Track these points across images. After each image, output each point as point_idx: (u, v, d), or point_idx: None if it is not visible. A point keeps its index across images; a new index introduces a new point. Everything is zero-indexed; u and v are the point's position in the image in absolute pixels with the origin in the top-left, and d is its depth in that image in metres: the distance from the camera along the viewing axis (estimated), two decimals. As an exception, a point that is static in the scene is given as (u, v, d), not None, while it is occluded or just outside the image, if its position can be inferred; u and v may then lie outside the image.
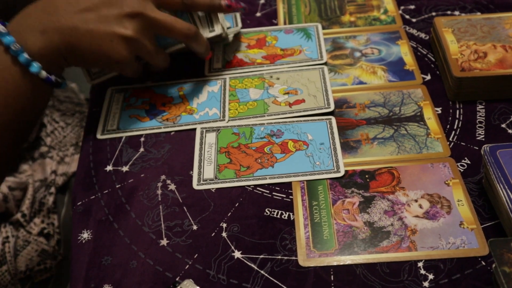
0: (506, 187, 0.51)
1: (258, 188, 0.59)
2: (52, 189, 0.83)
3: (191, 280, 0.51)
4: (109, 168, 0.63)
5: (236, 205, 0.58)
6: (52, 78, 0.59)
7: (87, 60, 0.61)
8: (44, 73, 0.58)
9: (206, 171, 0.61)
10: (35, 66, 0.57)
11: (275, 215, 0.56)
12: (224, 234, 0.55)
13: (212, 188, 0.59)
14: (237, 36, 0.77)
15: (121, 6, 0.60)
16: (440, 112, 0.65)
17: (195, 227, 0.56)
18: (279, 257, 0.53)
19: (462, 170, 0.59)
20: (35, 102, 0.59)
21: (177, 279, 0.52)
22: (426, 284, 0.50)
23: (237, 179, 0.59)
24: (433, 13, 0.78)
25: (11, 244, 0.76)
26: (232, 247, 0.54)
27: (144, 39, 0.61)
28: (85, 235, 0.57)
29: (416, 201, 0.56)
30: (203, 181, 0.60)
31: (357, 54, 0.73)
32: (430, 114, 0.65)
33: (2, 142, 0.58)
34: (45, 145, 0.87)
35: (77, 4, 0.59)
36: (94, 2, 0.60)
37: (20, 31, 0.57)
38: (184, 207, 0.58)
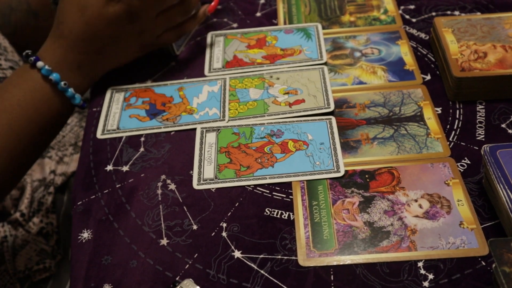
0: (506, 187, 0.51)
1: (258, 188, 0.59)
2: (51, 189, 0.83)
3: (191, 279, 0.51)
4: (109, 167, 0.63)
5: (236, 205, 0.58)
6: (85, 104, 0.69)
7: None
8: (81, 101, 0.68)
9: (206, 171, 0.61)
10: (77, 98, 0.67)
11: (275, 215, 0.56)
12: (224, 234, 0.55)
13: (212, 188, 0.59)
14: (237, 36, 0.77)
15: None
16: (440, 112, 0.65)
17: (195, 227, 0.56)
18: (279, 257, 0.53)
19: (462, 170, 0.59)
20: (64, 122, 0.70)
21: (177, 278, 0.52)
22: (426, 284, 0.50)
23: (237, 179, 0.59)
24: (433, 13, 0.78)
25: (10, 244, 0.75)
26: (232, 247, 0.54)
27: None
28: (85, 234, 0.57)
29: (416, 201, 0.56)
30: (203, 181, 0.60)
31: (357, 54, 0.73)
32: (430, 114, 0.65)
33: (28, 159, 0.67)
34: (45, 145, 0.87)
35: (102, 28, 0.66)
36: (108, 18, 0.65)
37: (60, 67, 0.65)
38: (184, 207, 0.58)
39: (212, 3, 0.75)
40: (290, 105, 0.67)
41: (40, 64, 0.64)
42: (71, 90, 0.65)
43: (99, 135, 0.66)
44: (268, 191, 0.59)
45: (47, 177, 0.84)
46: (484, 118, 0.64)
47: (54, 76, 0.64)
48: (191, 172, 0.61)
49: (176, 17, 0.69)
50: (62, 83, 0.64)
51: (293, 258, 0.53)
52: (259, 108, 0.67)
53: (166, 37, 0.70)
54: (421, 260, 0.52)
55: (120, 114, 0.68)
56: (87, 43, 0.65)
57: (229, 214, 0.57)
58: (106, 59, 0.68)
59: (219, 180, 0.60)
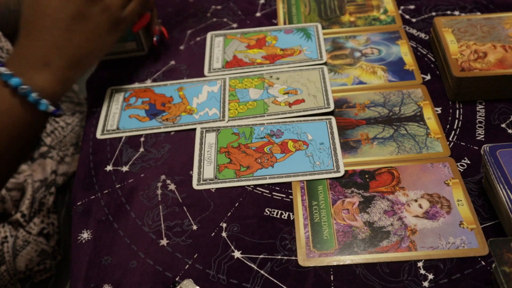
0: (506, 187, 0.51)
1: (258, 188, 0.59)
2: (52, 189, 0.83)
3: (191, 280, 0.51)
4: (109, 168, 0.63)
5: (236, 205, 0.58)
6: (58, 110, 0.61)
7: (93, 62, 0.65)
8: (51, 108, 0.59)
9: (206, 171, 0.61)
10: (43, 104, 0.58)
11: (275, 215, 0.56)
12: (224, 234, 0.55)
13: (212, 188, 0.59)
14: (236, 36, 0.77)
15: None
16: (440, 112, 0.65)
17: (195, 227, 0.56)
18: (279, 257, 0.53)
19: (462, 170, 0.59)
20: (37, 131, 0.62)
21: (177, 279, 0.52)
22: (426, 284, 0.50)
23: (237, 179, 0.59)
24: (433, 13, 0.78)
25: (10, 244, 0.75)
26: (232, 247, 0.54)
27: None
28: (85, 235, 0.57)
29: (416, 201, 0.56)
30: (203, 181, 0.60)
31: (357, 54, 0.73)
32: (430, 114, 0.65)
33: (4, 168, 0.60)
34: (45, 145, 0.86)
35: (62, 14, 0.60)
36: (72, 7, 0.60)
37: (23, 69, 0.58)
38: (184, 207, 0.58)
39: None
40: (290, 105, 0.67)
41: (1, 69, 0.57)
42: (34, 95, 0.57)
43: (98, 135, 0.66)
44: (268, 191, 0.59)
45: (48, 177, 0.84)
46: (484, 118, 0.64)
47: (14, 81, 0.57)
48: (191, 172, 0.61)
49: None
50: (22, 87, 0.57)
51: (293, 258, 0.53)
52: (259, 108, 0.67)
53: (131, 7, 0.66)
54: (421, 260, 0.52)
55: (120, 114, 0.68)
56: (49, 30, 0.59)
57: (229, 214, 0.57)
58: (77, 49, 0.61)
59: (219, 180, 0.60)
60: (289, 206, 0.57)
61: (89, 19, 0.61)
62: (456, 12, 0.78)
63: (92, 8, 0.61)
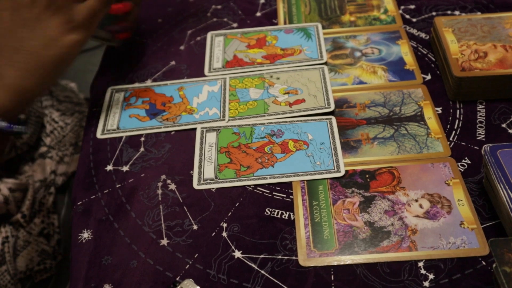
0: (507, 187, 0.51)
1: (258, 188, 0.59)
2: (52, 189, 0.83)
3: (191, 279, 0.51)
4: (109, 168, 0.63)
5: (237, 205, 0.58)
6: (13, 127, 0.56)
7: (52, 78, 0.58)
8: (3, 124, 0.54)
9: (207, 171, 0.61)
10: None
11: (275, 215, 0.56)
12: (224, 234, 0.55)
13: (213, 188, 0.59)
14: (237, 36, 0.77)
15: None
16: (440, 112, 0.65)
17: (195, 227, 0.56)
18: (280, 257, 0.53)
19: (462, 170, 0.59)
20: None
21: (177, 278, 0.52)
22: (426, 284, 0.50)
23: (237, 179, 0.59)
24: (433, 13, 0.78)
25: (11, 244, 0.75)
26: (233, 247, 0.54)
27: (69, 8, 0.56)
28: (85, 234, 0.57)
29: (416, 201, 0.56)
30: (203, 180, 0.60)
31: (357, 53, 0.73)
32: (430, 114, 0.65)
33: None
34: (45, 145, 0.86)
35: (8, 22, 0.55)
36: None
37: None
38: (185, 207, 0.58)
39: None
40: (290, 105, 0.67)
41: None
42: None
43: (99, 135, 0.66)
44: (268, 191, 0.59)
45: (48, 177, 0.84)
46: (484, 118, 0.64)
47: None
48: (191, 172, 0.61)
49: None
50: None
51: (294, 258, 0.53)
52: (259, 108, 0.67)
53: (88, 4, 0.59)
54: (421, 260, 0.52)
55: (120, 114, 0.68)
56: None
57: (229, 214, 0.57)
58: (28, 56, 0.55)
59: (219, 180, 0.60)
60: (289, 206, 0.57)
61: (41, 23, 0.55)
62: (457, 12, 0.78)
63: (45, 12, 0.55)
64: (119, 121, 0.67)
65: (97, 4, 0.59)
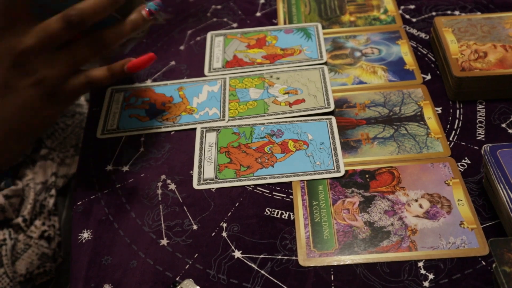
0: (507, 187, 0.51)
1: (258, 188, 0.59)
2: (53, 191, 0.83)
3: (191, 279, 0.51)
4: (109, 167, 0.63)
5: (236, 205, 0.58)
6: None
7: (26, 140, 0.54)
8: None
9: (206, 171, 0.61)
10: None
11: (275, 215, 0.56)
12: (224, 234, 0.55)
13: (212, 188, 0.59)
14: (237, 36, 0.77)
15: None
16: (440, 112, 0.65)
17: (195, 227, 0.56)
18: (279, 257, 0.53)
19: (462, 170, 0.59)
20: None
21: (177, 278, 0.52)
22: (426, 284, 0.50)
23: (237, 179, 0.59)
24: (433, 13, 0.78)
25: (8, 247, 0.75)
26: (232, 247, 0.54)
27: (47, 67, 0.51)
28: (85, 234, 0.57)
29: (416, 200, 0.56)
30: (203, 180, 0.60)
31: (357, 53, 0.73)
32: (430, 114, 0.65)
33: None
34: (46, 147, 0.86)
35: None
36: None
37: None
38: (184, 207, 0.58)
39: (137, 59, 0.57)
40: (290, 105, 0.67)
41: None
42: None
43: (99, 135, 0.66)
44: (268, 191, 0.59)
45: (49, 180, 0.84)
46: (484, 118, 0.64)
47: None
48: (191, 172, 0.61)
49: (79, 54, 0.53)
50: None
51: (294, 258, 0.53)
52: (259, 108, 0.67)
53: (72, 83, 0.53)
54: (421, 260, 0.52)
55: (120, 114, 0.68)
56: None
57: (229, 214, 0.57)
58: (7, 123, 0.52)
59: (219, 180, 0.60)
60: (289, 206, 0.57)
61: (17, 92, 0.51)
62: (456, 12, 0.78)
63: (20, 81, 0.51)
64: (119, 121, 0.67)
65: (83, 88, 0.54)
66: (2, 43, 0.50)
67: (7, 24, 0.50)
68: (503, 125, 0.63)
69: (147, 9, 0.55)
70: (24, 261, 0.75)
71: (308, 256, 0.53)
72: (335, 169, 0.59)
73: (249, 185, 0.59)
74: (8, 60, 0.50)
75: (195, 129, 0.65)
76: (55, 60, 0.52)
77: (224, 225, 0.56)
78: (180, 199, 0.59)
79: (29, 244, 0.77)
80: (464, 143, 0.62)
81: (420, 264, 0.51)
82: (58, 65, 0.52)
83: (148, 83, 0.72)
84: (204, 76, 0.72)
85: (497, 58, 0.65)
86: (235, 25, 0.80)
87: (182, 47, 0.77)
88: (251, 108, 0.67)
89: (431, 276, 0.51)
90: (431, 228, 0.54)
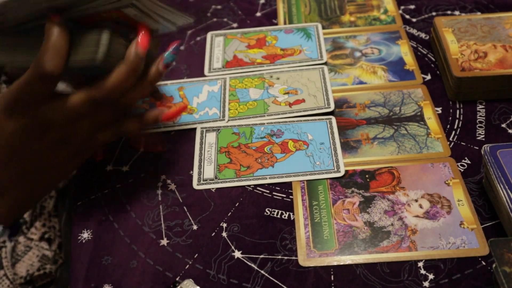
0: (507, 187, 0.51)
1: (258, 188, 0.59)
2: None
3: (191, 280, 0.51)
4: (109, 167, 0.63)
5: (236, 205, 0.58)
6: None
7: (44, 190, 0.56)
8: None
9: (206, 171, 0.61)
10: None
11: (275, 215, 0.56)
12: (224, 234, 0.55)
13: (212, 188, 0.59)
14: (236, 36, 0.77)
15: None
16: (440, 112, 0.65)
17: (195, 227, 0.56)
18: (279, 257, 0.53)
19: (462, 170, 0.59)
20: None
21: (177, 279, 0.52)
22: (426, 284, 0.50)
23: (237, 179, 0.59)
24: (433, 13, 0.78)
25: (8, 249, 0.75)
26: (232, 247, 0.54)
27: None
28: (85, 235, 0.57)
29: (416, 201, 0.56)
30: (203, 181, 0.60)
31: (357, 54, 0.73)
32: (430, 114, 0.65)
33: None
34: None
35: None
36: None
37: None
38: (184, 207, 0.58)
39: (171, 110, 0.57)
40: (290, 105, 0.67)
41: None
42: None
43: (99, 135, 0.66)
44: (268, 191, 0.59)
45: (49, 181, 0.84)
46: (484, 118, 0.64)
47: None
48: (191, 172, 0.61)
49: (104, 117, 0.53)
50: None
51: (294, 258, 0.53)
52: (259, 108, 0.67)
53: (100, 138, 0.55)
54: (421, 260, 0.52)
55: (120, 114, 0.68)
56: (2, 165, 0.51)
57: (229, 214, 0.57)
58: (33, 181, 0.54)
59: (219, 180, 0.60)
60: (289, 206, 0.57)
61: (44, 153, 0.52)
62: (456, 12, 0.78)
63: (46, 141, 0.51)
64: (119, 121, 0.67)
65: (111, 140, 0.56)
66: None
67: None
68: (503, 125, 0.63)
69: (164, 63, 0.55)
70: (24, 263, 0.75)
71: (308, 256, 0.53)
72: (335, 169, 0.59)
73: (249, 185, 0.59)
74: (34, 128, 0.50)
75: (195, 129, 0.65)
76: (77, 126, 0.52)
77: (224, 225, 0.56)
78: (180, 199, 0.59)
79: (30, 246, 0.77)
80: (464, 143, 0.62)
81: (420, 264, 0.51)
82: (81, 129, 0.52)
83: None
84: (204, 76, 0.72)
85: (497, 58, 0.65)
86: (235, 25, 0.80)
87: (182, 47, 0.77)
88: (251, 108, 0.67)
89: (431, 276, 0.51)
90: (431, 228, 0.54)
